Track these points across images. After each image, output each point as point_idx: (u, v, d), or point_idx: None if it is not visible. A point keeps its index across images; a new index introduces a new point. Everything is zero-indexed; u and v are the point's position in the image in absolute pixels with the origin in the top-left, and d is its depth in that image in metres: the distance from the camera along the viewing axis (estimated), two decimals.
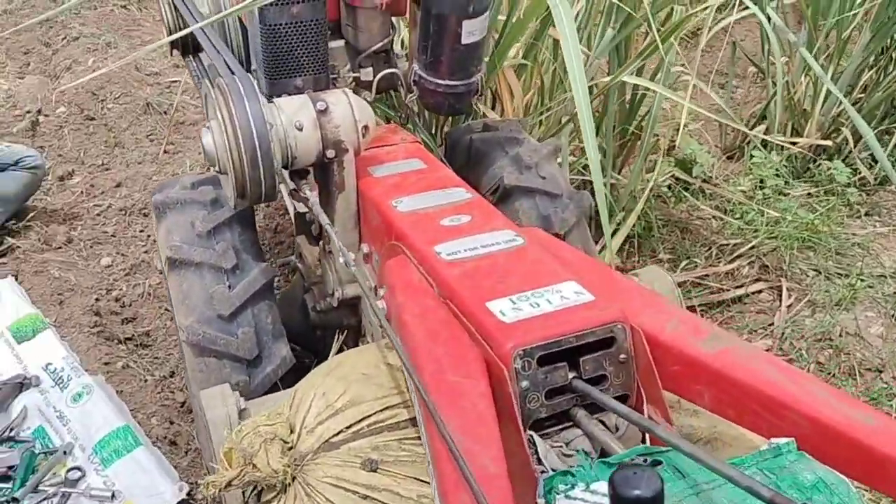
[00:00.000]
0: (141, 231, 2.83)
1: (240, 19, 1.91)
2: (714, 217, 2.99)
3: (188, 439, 1.98)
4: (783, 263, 2.75)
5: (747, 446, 1.11)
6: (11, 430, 1.85)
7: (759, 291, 2.68)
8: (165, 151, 3.20)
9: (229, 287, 1.59)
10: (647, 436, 1.07)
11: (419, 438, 1.22)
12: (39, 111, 3.38)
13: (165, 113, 3.47)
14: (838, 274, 2.70)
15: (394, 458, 1.20)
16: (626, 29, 2.42)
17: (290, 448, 1.22)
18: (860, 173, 3.13)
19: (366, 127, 1.53)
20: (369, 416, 1.25)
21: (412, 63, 1.80)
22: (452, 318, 1.18)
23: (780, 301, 2.61)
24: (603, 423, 1.08)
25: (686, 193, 3.03)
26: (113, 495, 1.72)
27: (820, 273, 2.71)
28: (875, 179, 3.12)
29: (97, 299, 2.37)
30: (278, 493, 1.23)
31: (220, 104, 1.41)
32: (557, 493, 0.82)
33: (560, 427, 1.09)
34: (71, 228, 2.74)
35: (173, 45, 2.09)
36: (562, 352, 1.08)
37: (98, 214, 2.89)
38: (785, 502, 0.75)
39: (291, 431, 1.25)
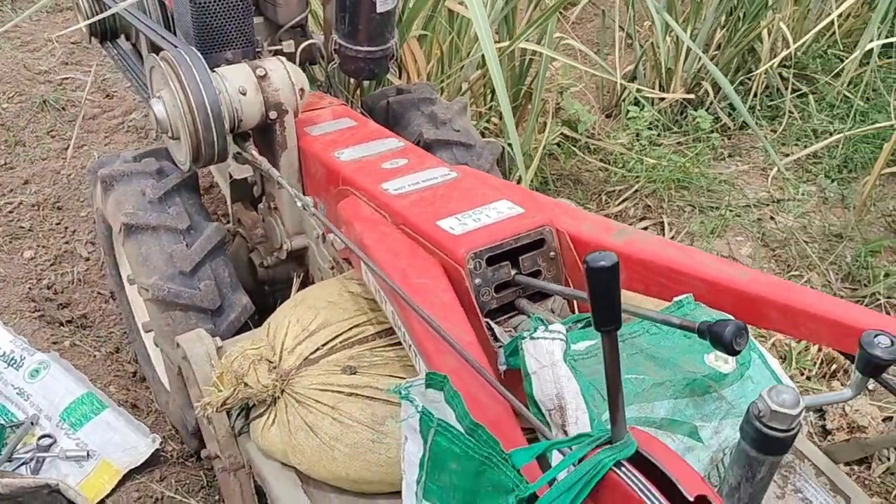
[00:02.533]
0: (57, 224, 2.86)
1: (160, 1, 2.02)
2: (600, 168, 3.31)
3: (147, 402, 2.09)
4: (663, 203, 3.10)
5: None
6: None
7: (646, 228, 3.02)
8: (74, 147, 3.21)
9: (187, 245, 1.72)
10: (576, 308, 1.32)
11: (387, 346, 1.43)
12: None
13: (63, 109, 3.47)
14: (710, 207, 3.07)
15: (368, 363, 1.39)
16: (513, 0, 2.67)
17: (275, 368, 1.39)
18: (721, 121, 3.54)
19: (302, 90, 1.70)
20: (340, 334, 1.43)
21: (329, 34, 1.97)
22: (407, 238, 1.38)
23: (664, 234, 2.96)
24: None
25: (574, 149, 3.34)
26: (88, 454, 1.82)
27: (695, 208, 3.07)
28: (734, 125, 3.53)
29: (30, 288, 2.42)
30: (268, 407, 1.40)
31: (171, 75, 1.55)
32: (523, 339, 1.04)
33: (507, 316, 1.32)
34: None
35: (92, 33, 2.16)
36: (504, 253, 1.30)
37: (10, 211, 2.89)
38: (690, 324, 1.00)
39: (273, 354, 1.42)
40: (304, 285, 1.97)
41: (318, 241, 1.80)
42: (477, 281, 1.27)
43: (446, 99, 2.83)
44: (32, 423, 1.87)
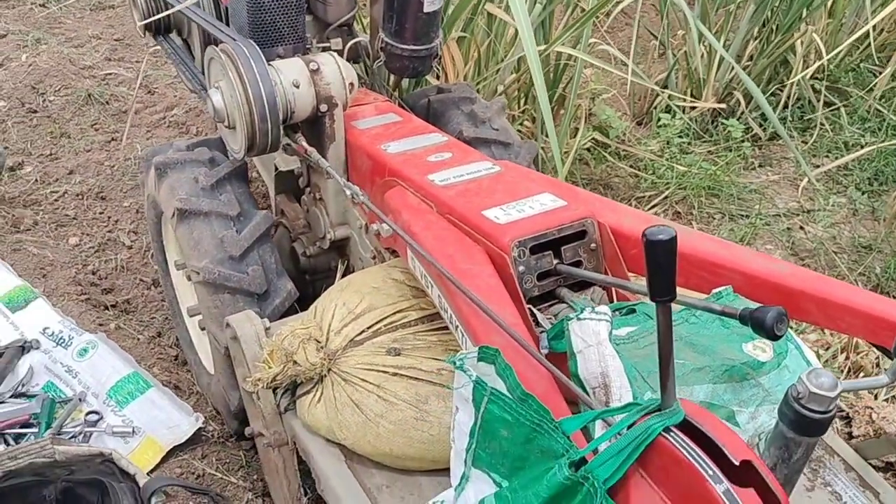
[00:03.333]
0: (101, 213, 2.95)
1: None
2: (630, 174, 3.35)
3: (189, 385, 2.16)
4: (693, 209, 3.13)
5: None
6: (23, 386, 1.98)
7: None
8: (118, 140, 3.30)
9: (237, 231, 1.79)
10: (615, 298, 1.36)
11: (429, 331, 1.48)
12: None
13: (107, 103, 3.56)
14: (740, 215, 3.10)
15: (412, 346, 1.44)
16: (552, 5, 2.73)
17: (322, 347, 1.45)
18: (752, 131, 3.56)
19: (351, 84, 1.77)
20: (384, 318, 1.49)
21: (377, 33, 2.04)
22: (453, 227, 1.44)
23: None
24: None
25: (605, 154, 3.38)
26: (133, 430, 1.89)
27: (724, 215, 3.11)
28: (765, 135, 3.56)
29: (76, 273, 2.50)
30: (315, 385, 1.46)
31: (230, 67, 1.62)
32: (569, 320, 1.09)
33: (548, 304, 1.36)
34: (35, 212, 2.83)
35: (147, 27, 2.24)
36: (546, 243, 1.35)
37: (56, 200, 2.98)
38: (731, 310, 1.04)
39: (321, 334, 1.47)
40: (345, 275, 2.03)
41: (361, 231, 1.86)
42: (521, 268, 1.32)
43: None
44: (80, 400, 1.95)
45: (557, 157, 2.01)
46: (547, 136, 3.21)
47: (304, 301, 2.05)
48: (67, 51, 3.98)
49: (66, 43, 4.09)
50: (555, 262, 1.36)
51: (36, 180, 3.08)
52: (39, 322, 2.15)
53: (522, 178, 1.55)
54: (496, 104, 2.21)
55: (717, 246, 1.33)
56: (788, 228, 3.02)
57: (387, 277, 1.59)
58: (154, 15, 2.18)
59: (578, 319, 1.08)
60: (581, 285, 1.36)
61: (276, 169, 2.09)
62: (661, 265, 0.75)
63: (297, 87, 1.69)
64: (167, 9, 2.10)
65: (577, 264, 1.38)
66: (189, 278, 1.92)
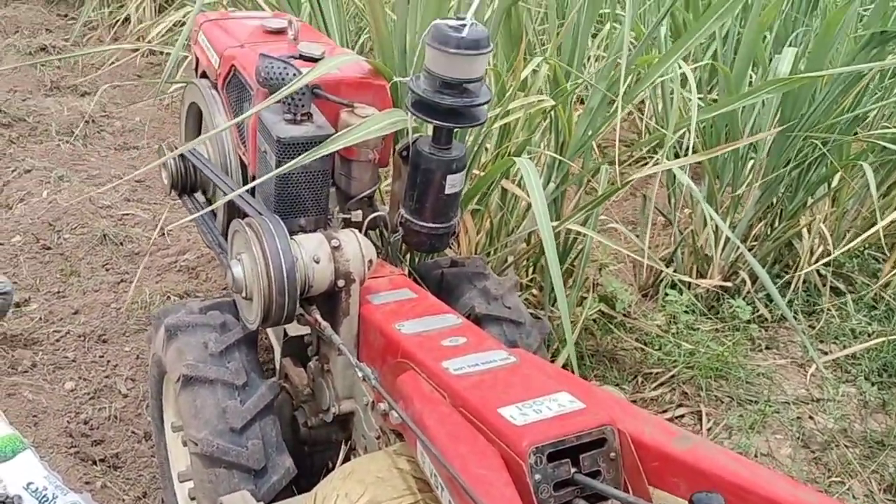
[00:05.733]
0: (101, 356, 2.90)
1: (242, 164, 2.16)
2: (636, 348, 3.33)
3: None
4: (700, 391, 3.08)
5: None
6: None
7: (682, 416, 2.99)
8: (127, 283, 3.30)
9: (241, 402, 1.75)
10: None
11: None
12: None
13: (121, 244, 3.60)
14: (749, 400, 3.05)
15: None
16: (564, 185, 2.82)
17: None
18: (759, 311, 3.57)
19: (370, 261, 1.78)
20: None
21: (397, 207, 2.08)
22: (466, 422, 1.40)
23: (701, 425, 2.93)
24: None
25: (611, 326, 3.37)
26: None
27: (733, 399, 3.05)
28: (772, 316, 3.56)
29: (68, 422, 2.43)
30: None
31: (254, 241, 1.64)
32: None
33: None
34: (34, 353, 2.79)
35: (173, 185, 2.30)
36: (564, 450, 1.31)
37: (57, 340, 2.94)
38: None
39: None
40: (347, 450, 1.97)
41: (367, 408, 1.81)
42: (537, 477, 1.26)
43: (491, 268, 2.93)
44: None
45: (567, 330, 2.00)
46: (553, 305, 3.24)
47: (301, 470, 1.98)
48: (88, 189, 4.07)
49: (87, 181, 4.19)
50: (572, 470, 1.31)
51: (40, 318, 3.06)
52: (24, 476, 2.04)
53: (539, 373, 1.52)
54: (508, 281, 2.23)
55: (742, 467, 1.28)
56: (798, 417, 2.96)
57: (392, 466, 1.52)
58: (182, 178, 2.24)
59: None
60: (599, 496, 1.31)
61: (286, 334, 2.07)
62: None
63: (318, 262, 1.71)
64: (196, 174, 2.16)
65: (596, 474, 1.32)
66: (185, 444, 1.85)
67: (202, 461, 1.69)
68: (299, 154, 1.80)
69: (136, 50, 5.39)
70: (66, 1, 6.60)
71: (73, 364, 2.83)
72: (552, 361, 2.97)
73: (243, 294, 1.69)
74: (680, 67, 2.89)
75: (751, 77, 3.61)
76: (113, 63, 5.38)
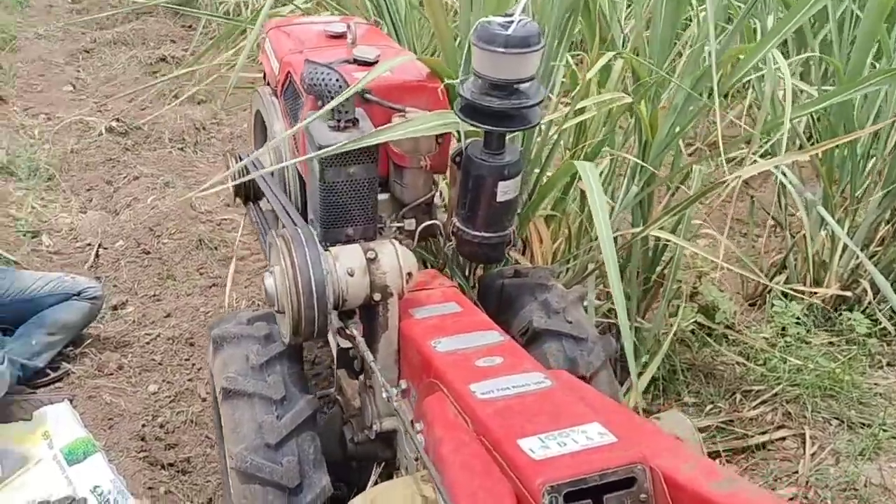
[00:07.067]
0: (186, 360, 2.99)
1: (299, 173, 2.14)
2: (737, 363, 3.07)
3: None
4: (806, 411, 2.80)
5: None
6: None
7: (783, 438, 2.73)
8: (219, 287, 3.38)
9: (277, 417, 1.71)
10: None
11: None
12: (100, 244, 3.64)
13: (216, 248, 3.71)
14: (861, 423, 2.74)
15: None
16: (649, 187, 2.62)
17: None
18: (880, 324, 3.22)
19: (409, 274, 1.70)
20: None
21: (451, 216, 1.99)
22: (485, 452, 1.29)
23: (805, 449, 2.65)
24: None
25: (709, 339, 3.13)
26: None
27: (843, 422, 2.75)
28: (895, 330, 3.20)
29: (143, 425, 2.49)
30: None
31: (284, 252, 1.59)
32: None
33: None
34: (122, 356, 2.90)
35: (237, 193, 2.31)
36: (587, 489, 1.17)
37: (147, 343, 3.05)
38: None
39: None
40: (391, 467, 1.90)
41: (409, 426, 1.73)
42: None
43: (571, 278, 2.77)
44: None
45: (631, 362, 1.83)
46: (641, 316, 3.04)
47: (350, 486, 1.93)
48: (192, 194, 4.23)
49: (193, 187, 4.35)
50: None
51: (134, 321, 3.18)
52: (92, 479, 2.13)
53: (573, 400, 1.39)
54: (573, 294, 2.08)
55: None
56: None
57: (416, 494, 1.44)
58: (246, 186, 2.25)
59: None
60: None
61: (339, 344, 2.02)
62: None
63: (352, 275, 1.64)
64: (255, 180, 2.15)
65: None
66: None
67: (238, 476, 1.67)
68: (341, 162, 1.75)
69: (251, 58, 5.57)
70: (192, 13, 6.92)
71: (160, 367, 2.92)
72: (639, 376, 2.79)
73: (276, 307, 1.65)
74: (776, 62, 2.60)
75: (872, 66, 3.26)
76: (227, 70, 5.58)
